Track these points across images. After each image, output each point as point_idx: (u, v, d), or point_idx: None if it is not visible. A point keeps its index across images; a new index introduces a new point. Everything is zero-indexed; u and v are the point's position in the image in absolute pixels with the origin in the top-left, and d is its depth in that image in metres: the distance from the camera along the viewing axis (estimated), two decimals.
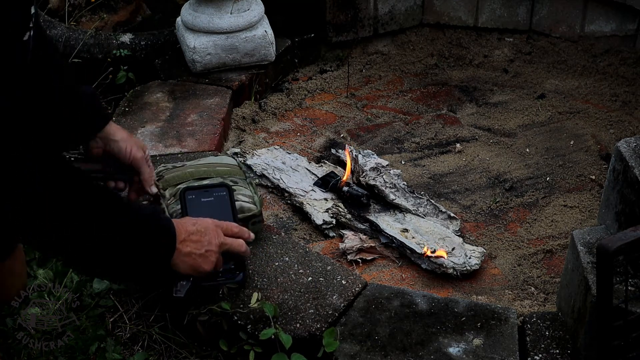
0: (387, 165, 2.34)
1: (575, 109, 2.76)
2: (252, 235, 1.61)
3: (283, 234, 1.92)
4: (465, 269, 1.98)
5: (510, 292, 1.93)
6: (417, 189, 2.33)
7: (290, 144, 2.57)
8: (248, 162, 2.34)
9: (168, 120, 2.40)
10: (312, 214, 2.17)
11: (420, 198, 2.23)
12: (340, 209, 2.17)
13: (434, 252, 1.99)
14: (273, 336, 1.54)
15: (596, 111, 2.73)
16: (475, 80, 2.98)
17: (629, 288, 1.38)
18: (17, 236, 1.36)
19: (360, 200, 2.19)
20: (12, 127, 1.16)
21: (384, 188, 2.22)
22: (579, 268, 1.53)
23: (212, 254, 1.46)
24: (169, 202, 1.79)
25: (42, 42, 1.48)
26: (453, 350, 1.55)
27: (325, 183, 2.27)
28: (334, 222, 2.15)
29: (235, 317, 1.63)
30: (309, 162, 2.41)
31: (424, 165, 2.48)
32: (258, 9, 2.69)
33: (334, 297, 1.68)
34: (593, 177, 2.38)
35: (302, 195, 2.24)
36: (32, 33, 1.17)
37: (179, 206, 1.75)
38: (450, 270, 1.97)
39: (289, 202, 2.26)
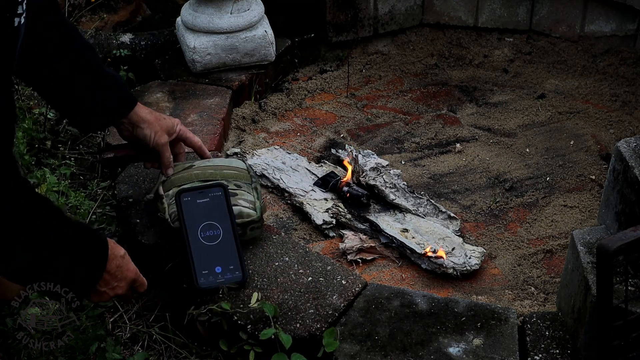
0: (387, 165, 2.34)
1: (575, 109, 2.76)
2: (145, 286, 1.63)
3: (283, 234, 1.92)
4: (465, 269, 1.98)
5: (510, 292, 1.93)
6: (417, 189, 2.33)
7: (290, 144, 2.57)
8: (248, 162, 2.34)
9: None
10: (312, 214, 2.17)
11: (420, 198, 2.23)
12: (340, 209, 2.18)
13: (434, 252, 1.99)
14: (273, 336, 1.54)
15: (596, 111, 2.73)
16: (475, 80, 2.98)
17: (629, 288, 1.38)
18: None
19: (360, 200, 2.19)
20: None
21: (384, 188, 2.22)
22: (579, 268, 1.53)
23: (107, 296, 1.50)
24: (170, 201, 1.79)
25: (47, 31, 1.49)
26: (453, 350, 1.55)
27: (325, 183, 2.27)
28: (334, 222, 2.15)
29: (235, 317, 1.63)
30: (309, 162, 2.41)
31: (424, 165, 2.48)
32: (258, 9, 2.69)
33: (334, 297, 1.68)
34: (593, 177, 2.38)
35: (302, 195, 2.24)
36: (22, 20, 1.16)
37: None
38: (450, 270, 1.97)
39: (289, 202, 2.26)
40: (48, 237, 1.32)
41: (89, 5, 3.14)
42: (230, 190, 1.77)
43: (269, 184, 2.31)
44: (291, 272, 1.76)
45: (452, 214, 2.19)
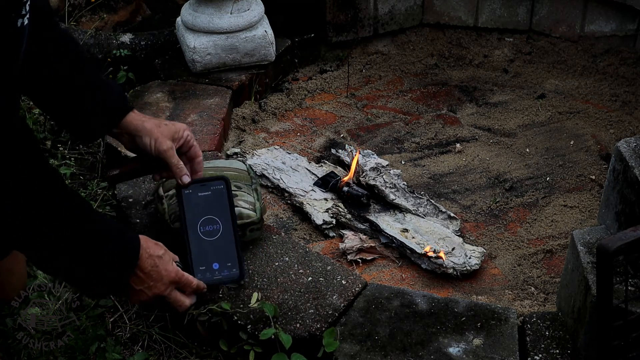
0: (387, 165, 2.34)
1: (575, 109, 2.76)
2: (205, 288, 1.62)
3: (283, 234, 1.92)
4: (465, 269, 1.98)
5: (510, 292, 1.93)
6: (417, 189, 2.33)
7: (290, 144, 2.57)
8: (248, 163, 2.34)
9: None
10: (312, 214, 2.17)
11: (420, 198, 2.23)
12: (340, 209, 2.18)
13: (435, 252, 1.99)
14: (273, 336, 1.54)
15: (596, 111, 2.73)
16: (475, 80, 2.98)
17: (629, 288, 1.38)
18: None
19: (360, 200, 2.19)
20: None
21: (384, 188, 2.22)
22: (579, 268, 1.53)
23: (146, 296, 1.50)
24: (170, 202, 1.79)
25: (45, 31, 1.48)
26: (453, 350, 1.55)
27: (325, 183, 2.27)
28: (334, 222, 2.15)
29: (235, 317, 1.63)
30: (309, 162, 2.41)
31: (424, 165, 2.48)
32: (258, 9, 2.69)
33: (334, 297, 1.68)
34: (593, 177, 2.38)
35: (302, 195, 2.24)
36: (26, 21, 1.16)
37: (178, 208, 1.75)
38: (450, 270, 1.97)
39: (289, 202, 2.26)
40: (76, 232, 1.32)
41: (89, 5, 3.14)
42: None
43: (269, 184, 2.31)
44: (291, 272, 1.76)
45: (452, 214, 2.19)
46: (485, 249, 2.07)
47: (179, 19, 2.75)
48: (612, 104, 2.77)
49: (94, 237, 1.36)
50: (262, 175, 2.31)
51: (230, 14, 2.62)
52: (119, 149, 2.23)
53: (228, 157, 2.40)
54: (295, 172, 2.34)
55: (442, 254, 1.98)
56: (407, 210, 2.18)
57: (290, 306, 1.66)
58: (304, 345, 1.58)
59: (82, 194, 2.21)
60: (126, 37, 2.87)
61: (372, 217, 2.14)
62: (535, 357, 1.54)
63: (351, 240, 2.09)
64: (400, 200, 2.20)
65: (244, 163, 1.97)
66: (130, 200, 1.99)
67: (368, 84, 2.97)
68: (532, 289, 1.95)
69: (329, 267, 1.77)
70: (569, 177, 2.39)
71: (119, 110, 1.64)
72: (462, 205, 2.29)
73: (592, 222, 2.16)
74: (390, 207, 2.20)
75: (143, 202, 1.95)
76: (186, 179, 1.67)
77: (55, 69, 1.55)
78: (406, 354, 1.54)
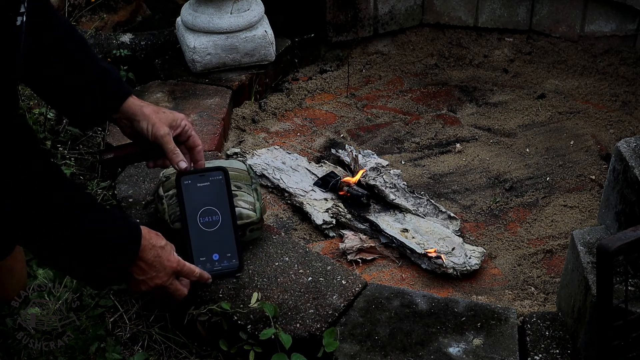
0: (387, 165, 2.34)
1: (575, 109, 2.76)
2: (210, 278, 1.64)
3: (283, 234, 1.92)
4: (465, 269, 1.98)
5: (510, 292, 1.93)
6: (417, 189, 2.33)
7: (290, 144, 2.57)
8: (248, 162, 2.34)
9: None
10: (312, 214, 2.17)
11: (420, 198, 2.23)
12: (340, 209, 2.17)
13: (437, 252, 1.99)
14: (273, 336, 1.54)
15: (596, 111, 2.73)
16: (475, 80, 2.98)
17: (629, 288, 1.38)
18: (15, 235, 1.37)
19: (360, 200, 2.19)
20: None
21: (384, 188, 2.22)
22: (579, 268, 1.53)
23: (147, 286, 1.51)
24: (171, 202, 1.79)
25: (42, 28, 1.48)
26: (453, 350, 1.55)
27: (325, 183, 2.27)
28: (334, 222, 2.15)
29: (235, 317, 1.63)
30: (309, 162, 2.41)
31: (424, 165, 2.48)
32: (258, 9, 2.69)
33: (334, 297, 1.68)
34: (593, 177, 2.38)
35: (302, 195, 2.24)
36: (24, 19, 1.16)
37: (178, 208, 1.75)
38: (450, 270, 1.97)
39: (289, 202, 2.26)
40: (77, 226, 1.32)
41: (89, 5, 3.14)
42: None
43: (269, 184, 2.31)
44: (291, 272, 1.76)
45: (452, 214, 2.19)
46: (485, 249, 2.07)
47: (179, 19, 2.75)
48: (612, 104, 2.77)
49: (94, 230, 1.36)
50: (262, 175, 2.31)
51: (230, 14, 2.62)
52: None
53: (228, 157, 2.40)
54: (295, 172, 2.34)
55: (442, 257, 1.98)
56: (407, 210, 2.18)
57: (290, 306, 1.66)
58: (304, 345, 1.58)
59: None
60: (126, 37, 2.87)
61: (372, 217, 2.14)
62: (535, 357, 1.54)
63: (351, 240, 2.09)
64: (400, 200, 2.20)
65: (244, 163, 1.97)
66: (130, 200, 1.99)
67: (368, 84, 2.97)
68: (532, 289, 1.95)
69: (329, 267, 1.77)
70: (569, 177, 2.39)
71: (117, 96, 1.64)
72: (462, 205, 2.29)
73: (592, 222, 2.16)
74: (390, 207, 2.20)
75: (143, 202, 1.95)
76: (183, 164, 1.66)
77: (54, 59, 1.55)
78: (406, 354, 1.54)
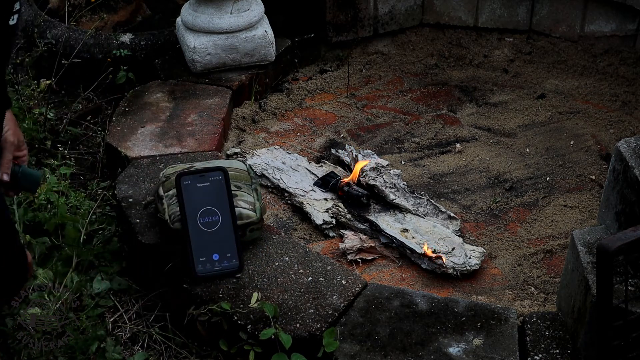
0: (387, 165, 2.34)
1: (575, 109, 2.76)
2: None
3: (283, 234, 1.92)
4: (465, 269, 1.98)
5: (510, 292, 1.93)
6: (417, 189, 2.33)
7: (290, 144, 2.57)
8: (248, 162, 2.34)
9: (168, 120, 2.40)
10: (312, 214, 2.17)
11: (420, 198, 2.23)
12: (340, 209, 2.17)
13: (434, 252, 1.99)
14: (273, 336, 1.54)
15: (596, 111, 2.73)
16: (475, 80, 2.98)
17: (629, 288, 1.38)
18: None
19: (360, 200, 2.19)
20: None
21: (384, 188, 2.22)
22: (579, 268, 1.53)
23: None
24: (170, 202, 1.79)
25: None
26: (453, 350, 1.55)
27: (325, 183, 2.27)
28: (334, 222, 2.15)
29: (235, 317, 1.63)
30: (309, 162, 2.41)
31: (424, 165, 2.48)
32: (258, 9, 2.69)
33: (334, 297, 1.68)
34: (593, 177, 2.38)
35: (302, 195, 2.24)
36: (17, 17, 1.17)
37: (177, 208, 1.75)
38: (450, 270, 1.97)
39: (289, 202, 2.26)
40: None
41: (89, 5, 3.14)
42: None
43: (269, 184, 2.31)
44: (291, 272, 1.76)
45: (452, 214, 2.19)
46: (485, 249, 2.07)
47: (179, 19, 2.75)
48: (612, 104, 2.77)
49: None
50: (262, 175, 2.31)
51: (230, 14, 2.62)
52: (119, 149, 2.23)
53: (228, 157, 2.40)
54: (295, 172, 2.34)
55: (442, 257, 1.98)
56: (407, 210, 2.18)
57: (290, 306, 1.66)
58: (304, 345, 1.58)
59: (82, 194, 2.21)
60: (126, 37, 2.87)
61: (372, 217, 2.14)
62: (535, 357, 1.54)
63: (351, 240, 2.09)
64: (400, 200, 2.20)
65: (244, 163, 1.97)
66: (130, 200, 1.99)
67: (368, 84, 2.97)
68: (532, 289, 1.95)
69: (329, 267, 1.77)
70: (569, 177, 2.39)
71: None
72: (462, 205, 2.29)
73: (592, 222, 2.16)
74: (390, 207, 2.20)
75: (143, 202, 1.95)
76: (5, 177, 1.45)
77: None
78: (406, 354, 1.54)
